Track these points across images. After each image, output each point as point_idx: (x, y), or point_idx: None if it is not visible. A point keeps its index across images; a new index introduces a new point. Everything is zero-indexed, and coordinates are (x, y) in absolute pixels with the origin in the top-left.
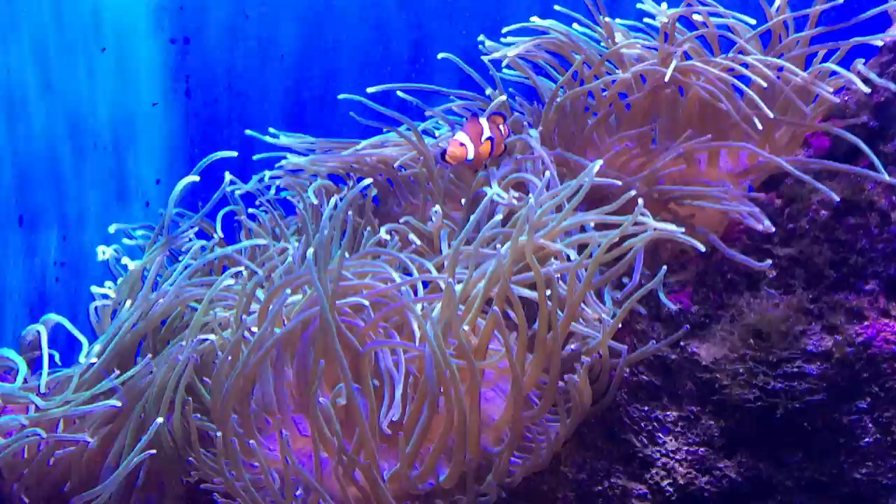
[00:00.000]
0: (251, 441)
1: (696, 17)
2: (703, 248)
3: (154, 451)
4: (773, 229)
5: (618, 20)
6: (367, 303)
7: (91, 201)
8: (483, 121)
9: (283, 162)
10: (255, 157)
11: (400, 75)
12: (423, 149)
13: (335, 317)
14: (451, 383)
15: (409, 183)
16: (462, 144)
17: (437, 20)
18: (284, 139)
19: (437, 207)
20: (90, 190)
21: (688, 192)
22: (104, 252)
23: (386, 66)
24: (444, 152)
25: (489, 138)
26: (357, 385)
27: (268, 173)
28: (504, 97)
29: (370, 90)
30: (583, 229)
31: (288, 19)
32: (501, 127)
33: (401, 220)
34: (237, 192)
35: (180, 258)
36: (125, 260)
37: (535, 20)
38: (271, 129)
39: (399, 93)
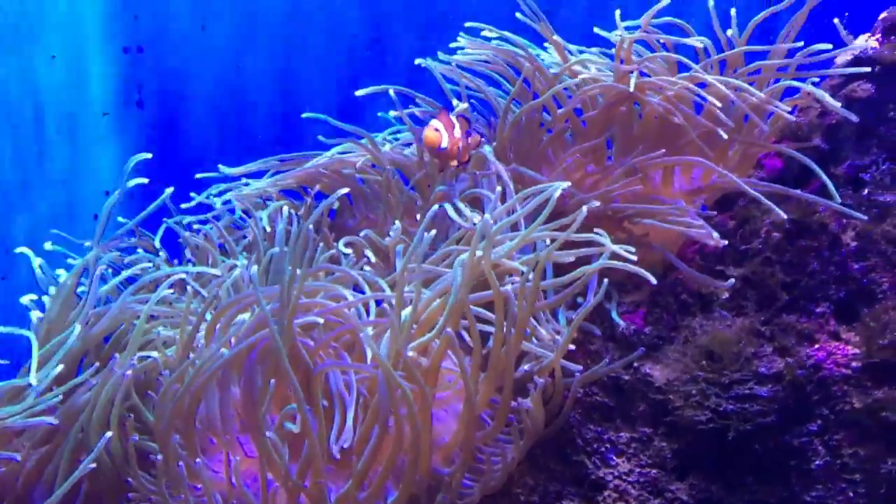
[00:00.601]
0: (196, 461)
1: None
2: (654, 281)
3: (94, 465)
4: (725, 243)
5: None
6: (320, 321)
7: (38, 212)
8: (453, 117)
9: (233, 194)
10: (197, 176)
11: (360, 83)
12: (381, 157)
13: (291, 336)
14: (402, 403)
15: (366, 197)
16: (437, 130)
17: (397, 24)
18: (233, 170)
19: (398, 223)
20: (37, 201)
21: (640, 209)
22: (39, 267)
23: (345, 77)
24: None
25: (464, 136)
26: (307, 406)
27: (214, 191)
28: (466, 105)
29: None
30: (534, 247)
31: (244, 29)
32: (468, 139)
33: (360, 234)
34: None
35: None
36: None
37: (487, 32)
38: (220, 167)
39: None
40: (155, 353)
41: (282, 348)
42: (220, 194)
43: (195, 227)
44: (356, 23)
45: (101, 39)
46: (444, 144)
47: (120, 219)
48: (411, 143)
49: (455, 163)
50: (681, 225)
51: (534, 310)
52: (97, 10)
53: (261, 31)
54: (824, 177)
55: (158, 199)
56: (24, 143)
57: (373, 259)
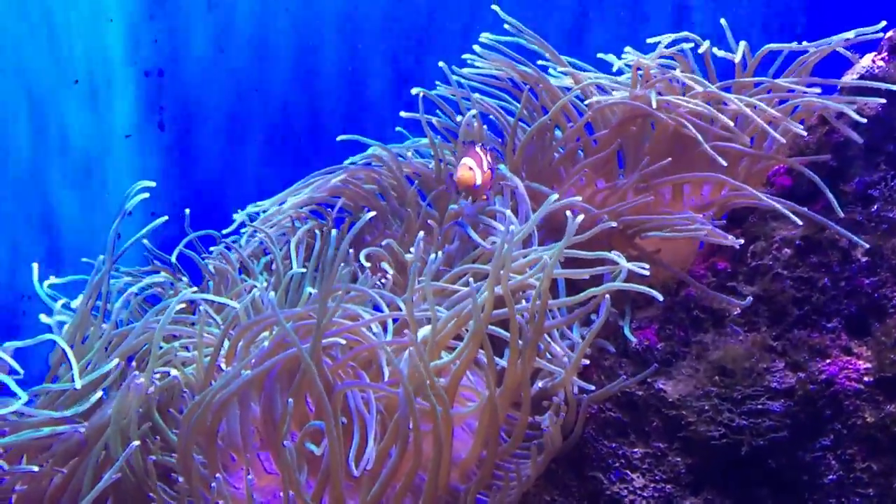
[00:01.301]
0: (216, 477)
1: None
2: (661, 298)
3: (118, 476)
4: (741, 242)
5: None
6: (342, 341)
7: (63, 233)
8: (479, 149)
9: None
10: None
11: (380, 105)
12: (400, 176)
13: (318, 356)
14: (425, 421)
15: (384, 212)
16: (471, 169)
17: (417, 44)
18: (256, 206)
19: (422, 233)
20: (62, 222)
21: (651, 221)
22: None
23: (364, 97)
24: (451, 176)
25: (490, 168)
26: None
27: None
28: (483, 127)
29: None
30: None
31: (263, 51)
32: (488, 159)
33: (382, 244)
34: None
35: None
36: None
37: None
38: (236, 215)
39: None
40: (175, 371)
41: (313, 368)
42: (253, 217)
43: (218, 248)
44: (372, 41)
45: (123, 64)
46: (478, 182)
47: (145, 241)
48: (428, 153)
49: (483, 196)
50: (692, 231)
51: (546, 328)
52: (119, 35)
53: (278, 53)
54: (830, 195)
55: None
56: (48, 166)
57: (390, 272)
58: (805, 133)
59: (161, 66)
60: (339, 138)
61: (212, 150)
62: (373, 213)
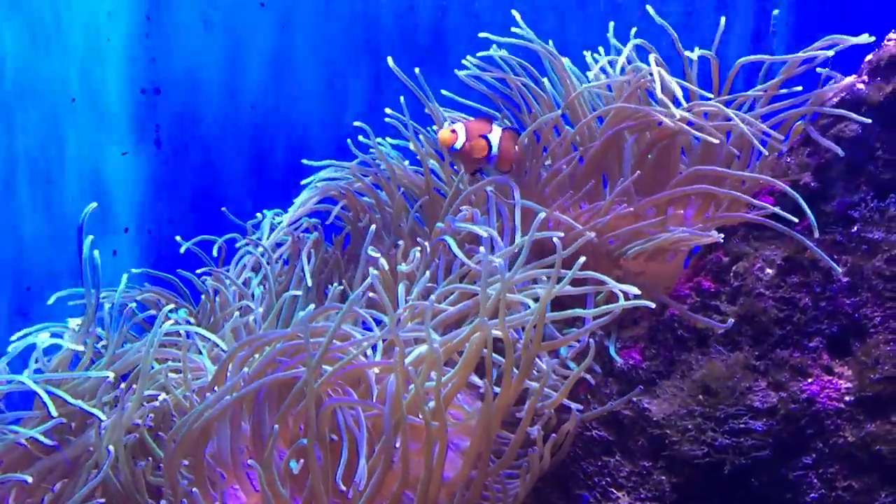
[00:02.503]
0: (193, 490)
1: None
2: (653, 305)
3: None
4: (721, 237)
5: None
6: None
7: (58, 250)
8: (495, 126)
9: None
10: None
11: (375, 116)
12: (392, 189)
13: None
14: (415, 440)
15: (378, 227)
16: (454, 132)
17: (423, 60)
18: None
19: (418, 249)
20: (58, 239)
21: (634, 231)
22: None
23: (362, 115)
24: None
25: (490, 142)
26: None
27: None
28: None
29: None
30: (534, 282)
31: (259, 71)
32: (516, 147)
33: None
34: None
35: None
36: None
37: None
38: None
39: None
40: (164, 395)
41: (313, 387)
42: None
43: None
44: (370, 58)
45: (120, 81)
46: (457, 145)
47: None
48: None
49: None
50: (679, 237)
51: (538, 349)
52: (116, 53)
53: (274, 72)
54: (810, 214)
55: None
56: (44, 183)
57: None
58: (783, 147)
59: (157, 84)
60: (355, 162)
61: (208, 166)
62: (373, 227)
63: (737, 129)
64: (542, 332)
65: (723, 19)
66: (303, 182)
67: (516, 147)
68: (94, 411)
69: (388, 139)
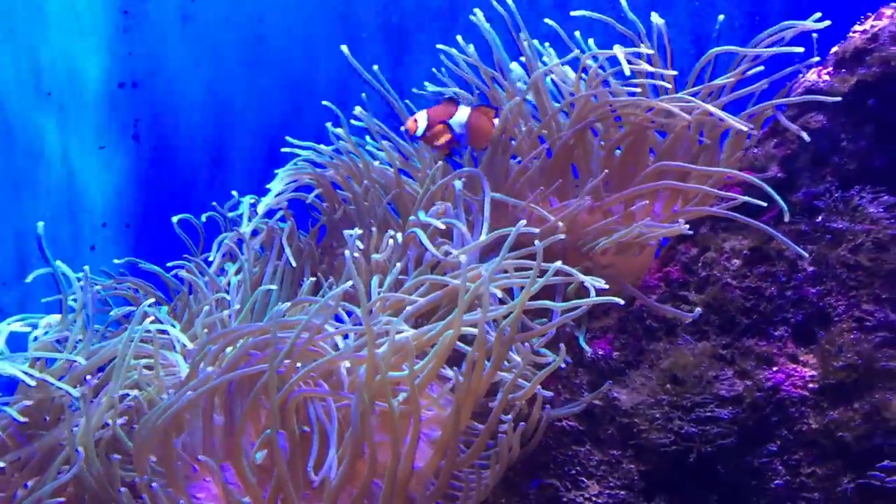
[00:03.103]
0: (152, 485)
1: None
2: (622, 302)
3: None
4: (687, 227)
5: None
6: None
7: (35, 244)
8: (462, 107)
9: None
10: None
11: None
12: (364, 167)
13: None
14: (385, 430)
15: (351, 218)
16: (415, 120)
17: (398, 49)
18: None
19: (398, 235)
20: (34, 233)
21: (601, 229)
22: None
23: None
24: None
25: (451, 126)
26: (282, 432)
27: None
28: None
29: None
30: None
31: (236, 64)
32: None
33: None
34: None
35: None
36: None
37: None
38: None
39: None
40: (135, 391)
41: (274, 382)
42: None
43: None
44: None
45: (97, 75)
46: (418, 133)
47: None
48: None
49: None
50: (648, 231)
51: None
52: (94, 48)
53: (251, 65)
54: (782, 202)
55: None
56: (22, 176)
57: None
58: (747, 129)
59: (135, 78)
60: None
61: (186, 161)
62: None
63: (705, 120)
64: (516, 331)
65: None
66: (276, 171)
67: (495, 122)
68: (68, 388)
69: (368, 138)
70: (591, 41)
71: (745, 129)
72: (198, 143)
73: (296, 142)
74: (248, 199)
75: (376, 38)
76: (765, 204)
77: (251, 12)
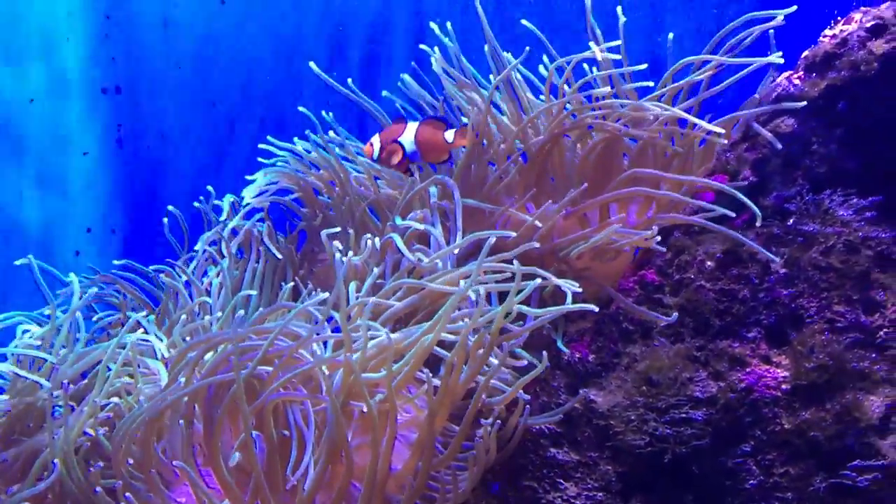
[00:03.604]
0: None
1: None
2: (596, 309)
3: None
4: (659, 238)
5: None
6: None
7: (19, 250)
8: (410, 124)
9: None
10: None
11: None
12: (344, 175)
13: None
14: (362, 432)
15: (331, 223)
16: (370, 144)
17: (354, 58)
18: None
19: (376, 240)
20: (19, 238)
21: (576, 238)
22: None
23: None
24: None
25: (402, 144)
26: (259, 436)
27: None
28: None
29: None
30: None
31: (217, 68)
32: (447, 134)
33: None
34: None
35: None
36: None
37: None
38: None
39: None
40: (116, 399)
41: (241, 386)
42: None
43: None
44: (330, 52)
45: (80, 81)
46: (375, 157)
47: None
48: None
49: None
50: (622, 239)
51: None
52: (76, 54)
53: (232, 69)
54: (754, 206)
55: None
56: (5, 182)
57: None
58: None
59: (118, 83)
60: (261, 145)
61: (170, 165)
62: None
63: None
64: (496, 337)
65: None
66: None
67: (445, 133)
68: (40, 380)
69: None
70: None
71: (719, 137)
72: (182, 148)
73: (275, 142)
74: (227, 199)
75: (358, 41)
76: (733, 215)
77: (234, 16)
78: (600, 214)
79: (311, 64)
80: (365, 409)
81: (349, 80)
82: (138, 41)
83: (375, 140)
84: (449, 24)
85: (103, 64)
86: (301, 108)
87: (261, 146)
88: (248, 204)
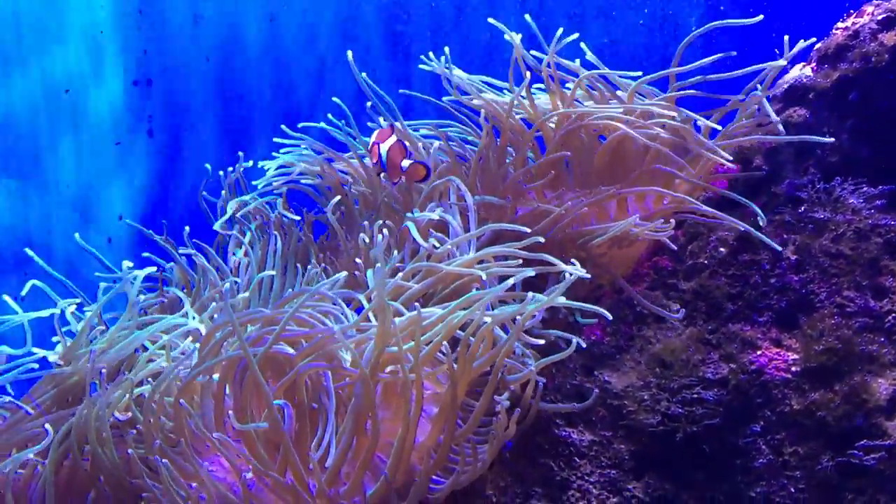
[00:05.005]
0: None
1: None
2: (609, 317)
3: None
4: (672, 233)
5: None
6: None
7: (54, 238)
8: (391, 138)
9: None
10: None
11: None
12: (364, 170)
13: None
14: (386, 406)
15: (353, 217)
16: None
17: (384, 56)
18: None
19: (385, 231)
20: (53, 225)
21: (597, 230)
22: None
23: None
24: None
25: (380, 152)
26: (291, 408)
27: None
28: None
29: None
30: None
31: (246, 61)
32: (405, 161)
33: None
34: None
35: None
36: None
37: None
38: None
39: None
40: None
41: (253, 363)
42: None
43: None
44: (357, 48)
45: (113, 73)
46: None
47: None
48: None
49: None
50: (641, 229)
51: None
52: (109, 46)
53: (261, 62)
54: (753, 206)
55: None
56: (41, 171)
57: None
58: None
59: (149, 75)
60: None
61: (199, 155)
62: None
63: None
64: (522, 327)
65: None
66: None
67: (403, 162)
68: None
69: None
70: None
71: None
72: (210, 139)
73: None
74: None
75: (380, 38)
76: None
77: (263, 10)
78: (617, 202)
79: (349, 53)
80: (396, 376)
81: (363, 75)
82: (169, 35)
83: (376, 148)
84: None
85: (135, 56)
86: (335, 99)
87: (286, 134)
88: (279, 178)
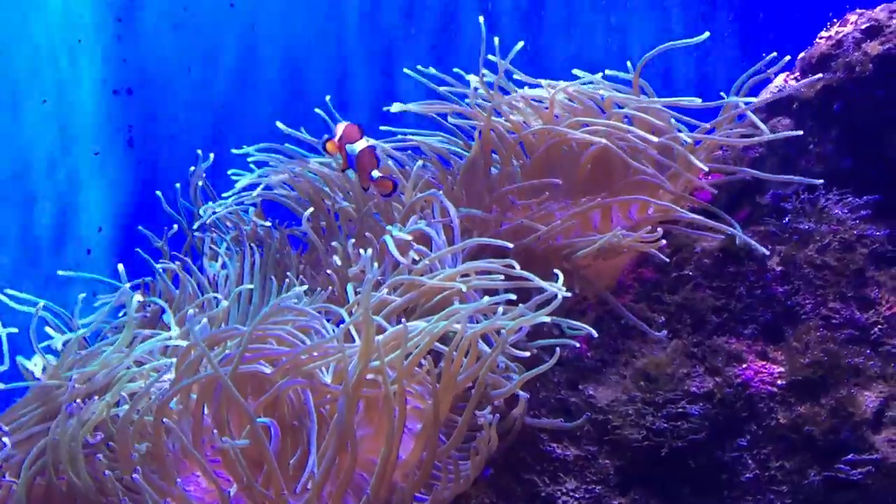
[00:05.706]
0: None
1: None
2: (595, 334)
3: None
4: (664, 243)
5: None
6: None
7: (32, 249)
8: (363, 140)
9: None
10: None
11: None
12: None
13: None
14: (368, 424)
15: (333, 230)
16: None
17: (360, 61)
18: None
19: (369, 251)
20: (32, 236)
21: (581, 242)
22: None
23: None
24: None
25: (348, 152)
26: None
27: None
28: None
29: None
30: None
31: (227, 70)
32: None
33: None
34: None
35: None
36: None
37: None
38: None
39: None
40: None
41: (229, 383)
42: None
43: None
44: (335, 57)
45: (92, 83)
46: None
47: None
48: None
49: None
50: (628, 240)
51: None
52: (88, 55)
53: (242, 71)
54: (730, 219)
55: None
56: (20, 182)
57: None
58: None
59: (129, 84)
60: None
61: (180, 165)
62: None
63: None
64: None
65: None
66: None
67: (374, 172)
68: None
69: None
70: None
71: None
72: (191, 148)
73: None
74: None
75: (364, 43)
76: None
77: (243, 20)
78: (602, 212)
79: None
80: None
81: (327, 98)
82: (149, 43)
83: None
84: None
85: (115, 65)
86: (327, 98)
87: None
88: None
